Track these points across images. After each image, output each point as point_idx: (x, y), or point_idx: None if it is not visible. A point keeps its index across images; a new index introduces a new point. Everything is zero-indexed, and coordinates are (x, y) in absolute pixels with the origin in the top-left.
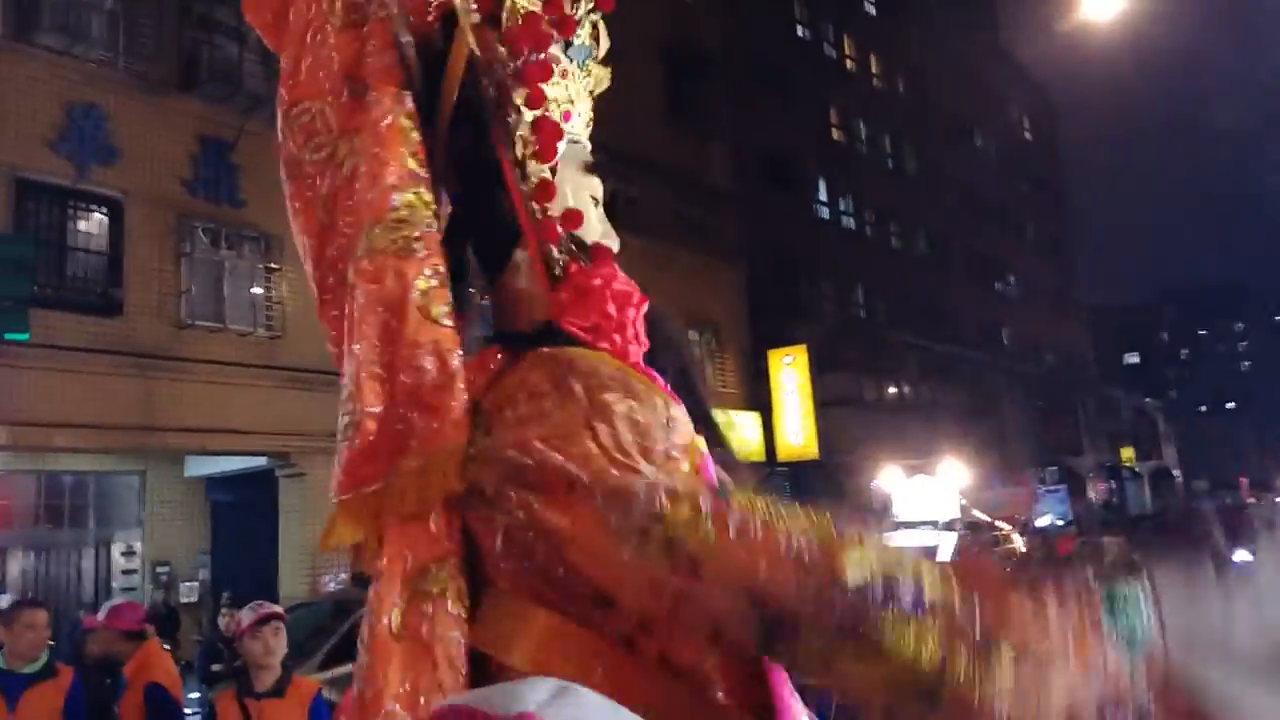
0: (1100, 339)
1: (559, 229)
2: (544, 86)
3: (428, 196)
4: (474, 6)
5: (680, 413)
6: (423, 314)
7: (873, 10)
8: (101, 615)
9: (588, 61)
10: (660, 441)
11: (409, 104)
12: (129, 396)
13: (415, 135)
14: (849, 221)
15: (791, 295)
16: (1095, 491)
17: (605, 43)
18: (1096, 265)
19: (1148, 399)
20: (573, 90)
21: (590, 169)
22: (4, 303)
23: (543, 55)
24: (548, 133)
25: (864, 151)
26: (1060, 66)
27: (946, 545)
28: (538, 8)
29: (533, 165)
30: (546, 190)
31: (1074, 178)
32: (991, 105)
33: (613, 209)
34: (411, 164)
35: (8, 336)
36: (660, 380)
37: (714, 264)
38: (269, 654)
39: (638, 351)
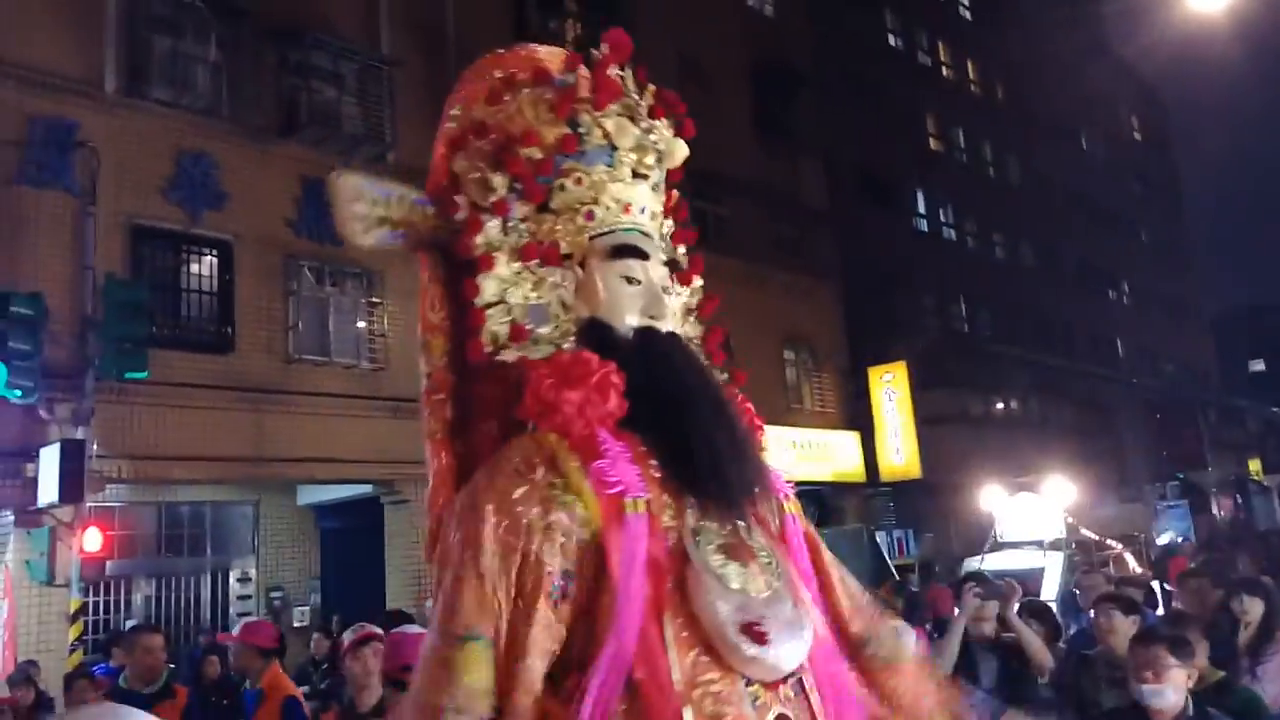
0: (1223, 346)
1: (480, 348)
2: (559, 193)
3: (438, 339)
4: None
5: (573, 501)
6: (428, 435)
7: (968, 14)
8: (237, 631)
9: (617, 154)
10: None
11: (428, 267)
12: (241, 429)
13: (434, 288)
14: (949, 233)
15: (890, 311)
16: (1220, 507)
17: (627, 132)
18: (1218, 267)
19: (1275, 408)
20: (594, 188)
21: (621, 252)
22: (124, 344)
23: (522, 184)
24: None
25: (964, 160)
26: (1169, 60)
27: (1053, 565)
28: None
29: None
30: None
31: (1191, 176)
32: (1097, 105)
33: (704, 231)
34: (429, 316)
35: (128, 376)
36: (608, 449)
37: (810, 282)
38: (369, 674)
39: (600, 415)
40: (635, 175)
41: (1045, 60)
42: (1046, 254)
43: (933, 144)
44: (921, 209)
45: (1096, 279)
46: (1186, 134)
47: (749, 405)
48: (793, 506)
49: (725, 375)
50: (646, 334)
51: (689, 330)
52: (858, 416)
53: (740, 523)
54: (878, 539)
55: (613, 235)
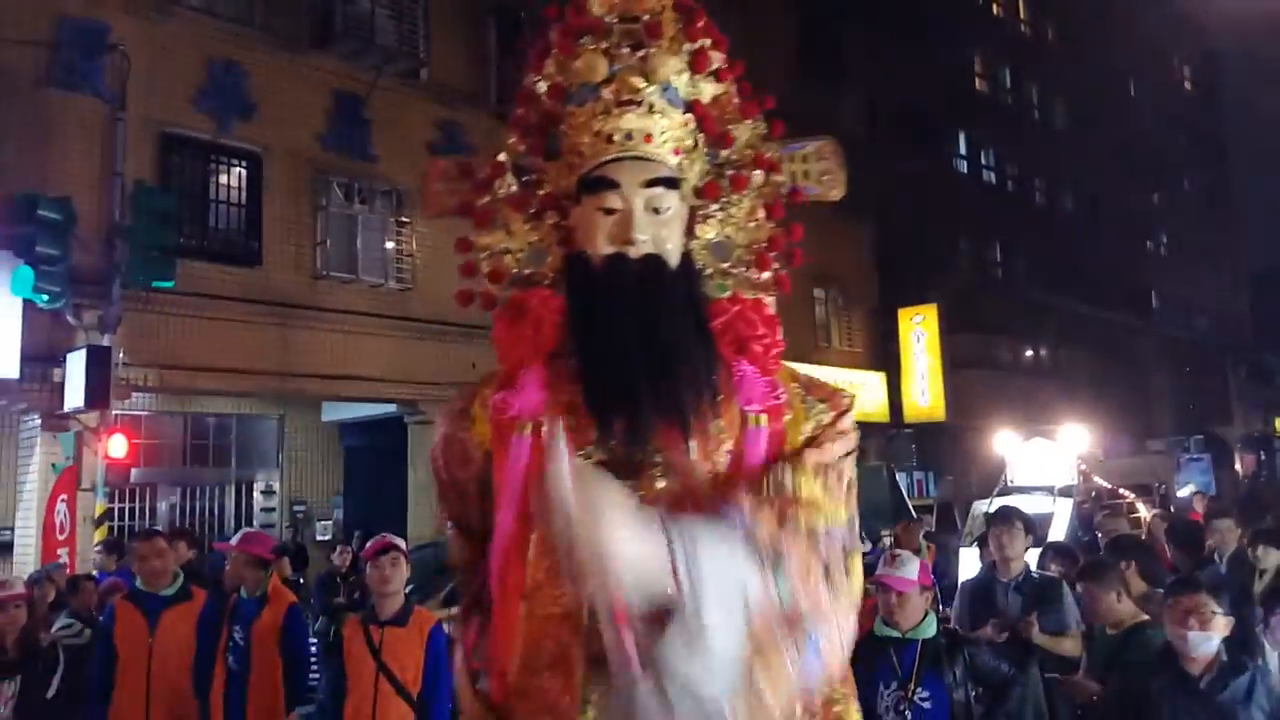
0: (1262, 303)
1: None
2: (562, 139)
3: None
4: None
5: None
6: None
7: None
8: (235, 540)
9: (598, 89)
10: None
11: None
12: (268, 343)
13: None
14: (990, 176)
15: (924, 252)
16: (1242, 463)
17: (596, 68)
18: (1262, 224)
19: None
20: (580, 129)
21: (590, 186)
22: (152, 253)
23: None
24: None
25: (1009, 102)
26: (1227, 10)
27: (1062, 512)
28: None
29: None
30: None
31: (1240, 130)
32: (1149, 52)
33: None
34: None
35: (155, 284)
36: (523, 379)
37: (842, 218)
38: (385, 583)
39: (532, 349)
40: (621, 104)
41: (1099, 4)
42: (1086, 201)
43: (978, 84)
44: (962, 150)
45: (1136, 228)
46: (1239, 86)
47: (751, 328)
48: (763, 419)
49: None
50: (609, 261)
51: (741, 236)
52: (884, 357)
53: (638, 446)
54: (898, 478)
55: (590, 171)
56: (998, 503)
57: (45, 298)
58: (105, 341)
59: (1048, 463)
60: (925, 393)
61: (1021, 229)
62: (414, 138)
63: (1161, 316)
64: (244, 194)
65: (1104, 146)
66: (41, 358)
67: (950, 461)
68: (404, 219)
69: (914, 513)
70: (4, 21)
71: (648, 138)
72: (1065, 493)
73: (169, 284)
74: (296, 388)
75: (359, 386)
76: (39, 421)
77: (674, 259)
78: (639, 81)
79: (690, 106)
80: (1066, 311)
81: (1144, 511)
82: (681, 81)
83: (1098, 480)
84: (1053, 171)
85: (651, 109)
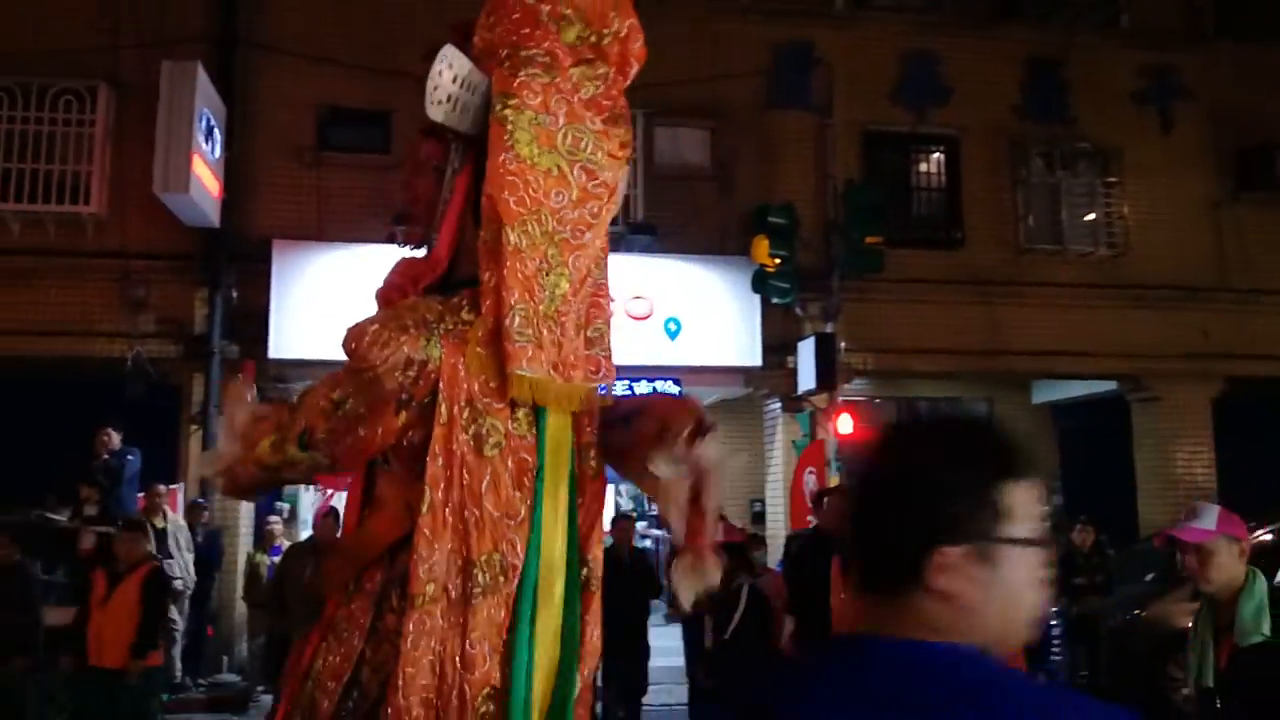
0: None
1: None
2: None
3: None
4: None
5: None
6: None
7: None
8: None
9: None
10: None
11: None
12: (973, 323)
13: None
14: None
15: None
16: None
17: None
18: None
19: None
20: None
21: None
22: (861, 245)
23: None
24: None
25: None
26: None
27: None
28: None
29: None
30: None
31: None
32: None
33: None
34: None
35: (867, 274)
36: None
37: None
38: None
39: None
40: None
41: None
42: None
43: None
44: None
45: None
46: None
47: None
48: None
49: None
50: None
51: None
52: None
53: None
54: None
55: None
56: None
57: (779, 295)
58: (829, 329)
59: None
60: None
61: None
62: (1117, 90)
63: None
64: (943, 178)
65: None
66: (777, 347)
67: None
68: (1111, 179)
69: None
70: (731, 59)
71: None
72: None
73: (876, 271)
74: (1005, 365)
75: (1072, 362)
76: (779, 404)
77: None
78: None
79: None
80: None
81: None
82: None
83: None
84: None
85: None
